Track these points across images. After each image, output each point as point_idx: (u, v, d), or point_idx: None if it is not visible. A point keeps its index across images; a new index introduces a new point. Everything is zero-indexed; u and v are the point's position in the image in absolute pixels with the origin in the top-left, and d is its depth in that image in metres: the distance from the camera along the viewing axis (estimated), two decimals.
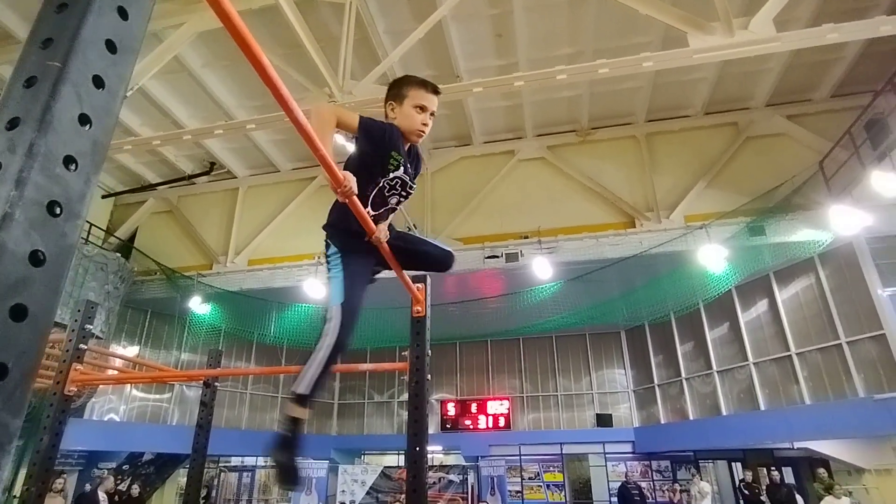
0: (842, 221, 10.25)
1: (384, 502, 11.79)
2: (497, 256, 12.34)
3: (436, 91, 2.41)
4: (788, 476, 13.90)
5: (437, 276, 3.01)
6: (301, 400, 2.06)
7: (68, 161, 0.60)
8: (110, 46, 0.68)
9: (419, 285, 2.81)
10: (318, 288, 12.82)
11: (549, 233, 12.45)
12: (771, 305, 13.45)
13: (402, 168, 2.28)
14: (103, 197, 15.08)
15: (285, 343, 15.18)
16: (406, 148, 2.35)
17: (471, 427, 17.69)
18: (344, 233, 2.30)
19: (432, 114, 2.37)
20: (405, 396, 19.02)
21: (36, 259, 0.55)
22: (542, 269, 11.99)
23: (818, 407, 11.71)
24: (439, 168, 13.93)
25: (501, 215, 13.08)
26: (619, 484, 13.16)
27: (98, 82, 0.66)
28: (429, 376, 2.63)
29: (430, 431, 18.18)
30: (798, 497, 11.65)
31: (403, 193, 2.39)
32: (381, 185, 2.27)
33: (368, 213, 2.20)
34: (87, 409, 13.10)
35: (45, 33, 0.65)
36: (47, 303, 0.56)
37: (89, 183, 0.62)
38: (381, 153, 2.22)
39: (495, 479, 15.15)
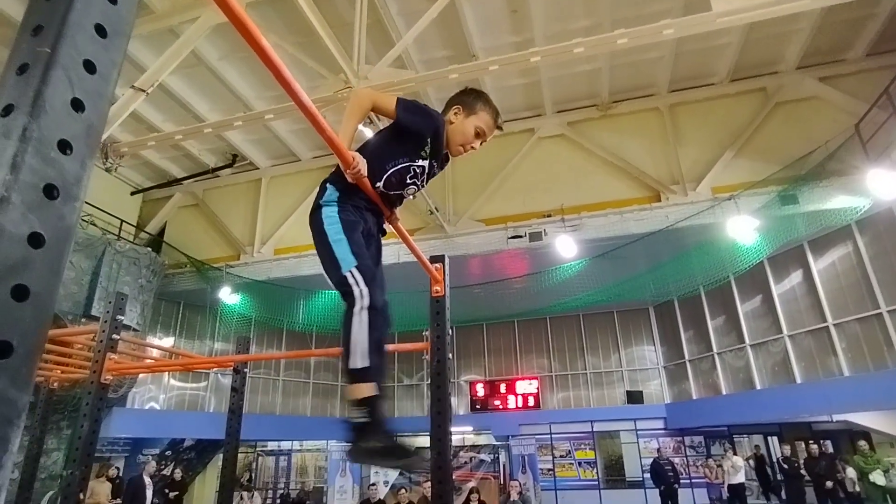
0: (881, 186, 9.84)
1: (417, 482, 12.02)
2: (520, 236, 12.25)
3: (500, 127, 2.42)
4: (828, 449, 13.62)
5: (459, 257, 2.99)
6: (361, 375, 1.76)
7: (63, 145, 0.61)
8: (100, 31, 0.69)
9: (437, 265, 2.81)
10: None
11: (572, 210, 12.29)
12: (806, 276, 13.06)
13: (429, 160, 2.20)
14: (132, 194, 15.47)
15: (314, 330, 15.46)
16: (442, 149, 2.27)
17: (500, 407, 17.80)
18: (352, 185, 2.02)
19: (482, 143, 2.35)
20: None
21: (35, 241, 0.57)
22: (566, 247, 11.87)
23: (858, 378, 11.38)
24: None
25: (523, 195, 12.96)
26: (652, 460, 13.09)
27: (89, 67, 0.67)
28: (450, 356, 2.64)
29: (460, 412, 18.44)
30: (842, 465, 11.42)
31: (419, 183, 2.27)
32: (404, 166, 2.15)
33: (379, 188, 2.11)
34: (129, 399, 13.62)
35: (36, 20, 0.66)
36: (48, 283, 0.57)
37: (85, 166, 0.63)
38: (420, 136, 2.12)
39: (526, 457, 15.25)
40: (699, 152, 12.32)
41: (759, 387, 13.78)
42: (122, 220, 14.00)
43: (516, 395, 17.86)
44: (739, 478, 11.50)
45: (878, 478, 10.37)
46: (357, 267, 1.87)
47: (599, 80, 12.39)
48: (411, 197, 2.34)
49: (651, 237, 11.71)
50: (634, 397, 17.15)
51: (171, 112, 12.79)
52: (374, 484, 9.62)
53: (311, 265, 13.54)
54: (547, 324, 18.73)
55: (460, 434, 17.59)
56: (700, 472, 14.82)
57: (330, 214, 1.99)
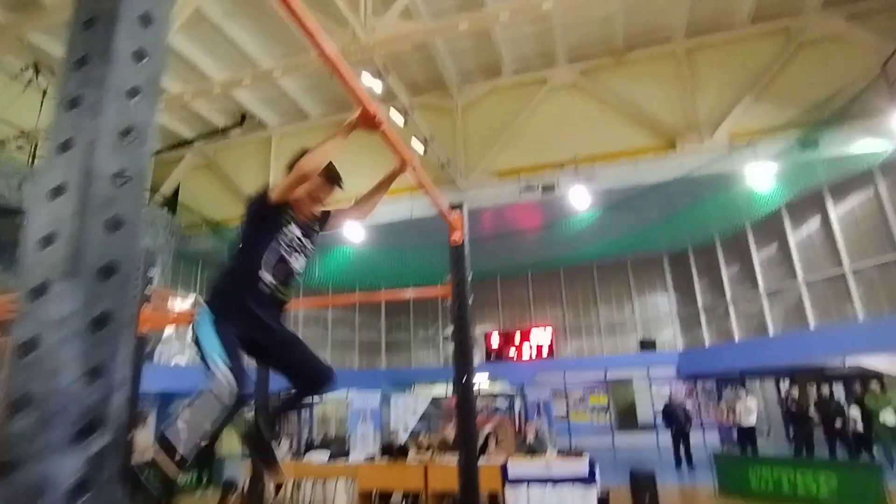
0: None
1: (435, 427, 12.53)
2: (533, 188, 12.19)
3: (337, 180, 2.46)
4: (838, 392, 13.82)
5: (472, 211, 3.03)
6: (178, 459, 1.81)
7: (132, 92, 0.67)
8: None
9: (456, 213, 2.87)
10: (357, 230, 13.12)
11: (585, 160, 12.15)
12: (824, 222, 12.91)
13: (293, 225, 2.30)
14: None
15: (330, 285, 15.74)
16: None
17: (515, 357, 18.21)
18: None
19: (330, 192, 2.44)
20: (449, 330, 19.65)
21: (121, 178, 0.64)
22: (579, 197, 11.81)
23: (873, 323, 11.42)
24: (469, 103, 13.60)
25: (536, 146, 12.81)
26: (664, 404, 13.40)
27: (146, 20, 0.72)
28: (470, 300, 2.73)
29: (475, 362, 18.86)
30: (851, 407, 11.64)
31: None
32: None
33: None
34: (156, 356, 14.14)
35: None
36: (136, 214, 0.65)
37: (153, 111, 0.69)
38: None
39: (541, 403, 15.71)
40: (716, 98, 11.99)
41: (772, 333, 13.89)
42: None
43: (530, 344, 18.22)
44: (751, 420, 11.75)
45: (888, 417, 10.56)
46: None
47: (614, 27, 11.98)
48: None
49: (666, 186, 11.59)
50: (647, 345, 17.41)
51: (178, 73, 12.68)
52: (394, 431, 10.05)
53: None
54: (561, 275, 18.86)
55: (476, 382, 18.09)
56: (711, 415, 15.17)
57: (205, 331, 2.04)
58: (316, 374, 2.25)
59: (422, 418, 14.15)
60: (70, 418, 0.55)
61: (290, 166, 2.25)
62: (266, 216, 2.20)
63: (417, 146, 11.45)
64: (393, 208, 12.94)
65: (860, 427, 11.24)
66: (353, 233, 12.74)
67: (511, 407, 14.37)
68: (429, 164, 12.40)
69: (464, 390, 2.76)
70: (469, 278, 2.76)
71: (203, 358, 1.96)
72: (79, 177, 0.60)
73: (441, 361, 18.98)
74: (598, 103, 12.77)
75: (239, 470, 9.06)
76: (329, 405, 17.02)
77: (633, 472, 7.58)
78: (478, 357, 18.94)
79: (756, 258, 14.60)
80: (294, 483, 10.51)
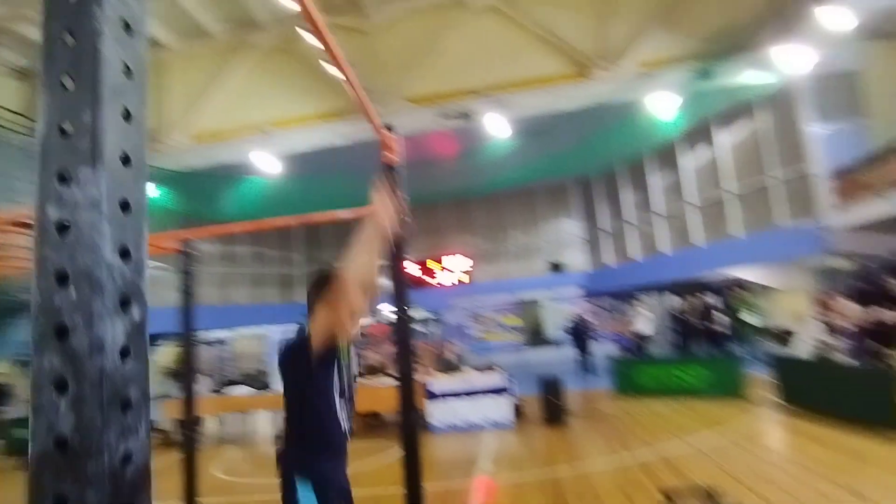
0: (788, 60, 10.51)
1: (359, 357, 12.89)
2: (450, 115, 12.16)
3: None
4: (715, 301, 15.74)
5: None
6: None
7: None
8: None
9: (390, 134, 2.89)
10: (267, 160, 12.52)
11: (501, 87, 12.22)
12: (711, 150, 14.14)
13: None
14: (15, 78, 13.46)
15: (243, 219, 15.07)
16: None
17: (431, 284, 18.79)
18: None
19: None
20: None
21: (127, 70, 0.66)
22: (495, 125, 11.98)
23: (749, 239, 12.97)
24: (385, 24, 12.97)
25: (452, 72, 12.62)
26: (571, 321, 14.64)
27: None
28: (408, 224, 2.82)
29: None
30: (719, 313, 13.41)
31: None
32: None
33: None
34: None
35: None
36: (142, 107, 0.67)
37: (143, 3, 0.69)
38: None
39: (458, 326, 16.58)
40: (627, 26, 12.31)
41: (666, 252, 15.38)
42: (4, 109, 12.30)
43: (445, 271, 18.85)
44: (645, 329, 13.23)
45: (749, 318, 12.36)
46: None
47: None
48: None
49: (577, 114, 12.04)
50: (556, 267, 18.65)
51: None
52: None
53: (233, 151, 12.86)
54: (474, 203, 19.34)
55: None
56: (611, 328, 16.80)
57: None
58: None
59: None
60: (113, 289, 0.60)
61: (317, 295, 1.96)
62: (317, 367, 1.89)
63: (335, 70, 10.88)
64: (308, 136, 12.43)
65: (728, 327, 13.07)
66: (267, 164, 12.16)
67: (430, 331, 15.01)
68: (340, 88, 11.89)
69: (401, 313, 2.92)
70: (407, 201, 2.84)
71: None
72: (91, 67, 0.61)
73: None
74: (516, 28, 12.69)
75: (161, 412, 8.88)
76: (245, 340, 16.80)
77: (543, 380, 8.35)
78: None
79: (652, 184, 15.82)
80: (218, 418, 10.51)
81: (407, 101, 12.48)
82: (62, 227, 0.59)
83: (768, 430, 6.55)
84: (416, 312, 17.51)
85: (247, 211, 13.93)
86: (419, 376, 9.22)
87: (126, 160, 0.64)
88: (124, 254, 0.62)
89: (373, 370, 9.82)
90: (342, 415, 1.97)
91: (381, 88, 12.52)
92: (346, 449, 2.05)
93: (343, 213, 3.37)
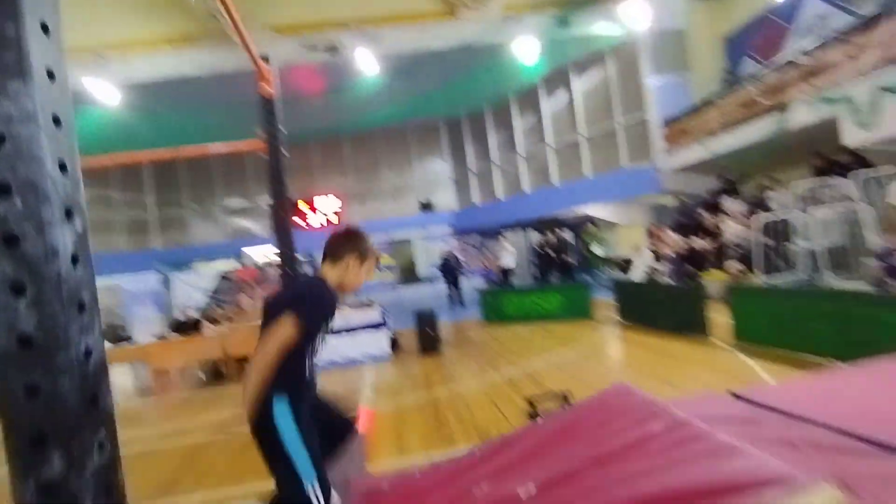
0: (631, 15, 11.48)
1: (228, 302, 12.29)
2: (317, 48, 11.53)
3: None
4: (568, 235, 17.43)
5: (250, 72, 2.90)
6: None
7: None
8: None
9: (266, 64, 2.77)
10: (104, 88, 10.92)
11: (370, 21, 11.79)
12: (568, 95, 15.19)
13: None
14: None
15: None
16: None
17: (303, 226, 18.25)
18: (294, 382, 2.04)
19: None
20: (233, 201, 18.36)
21: None
22: (363, 60, 11.63)
23: (598, 179, 14.40)
24: None
25: (320, 0, 11.86)
26: (441, 259, 15.30)
27: None
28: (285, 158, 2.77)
29: (262, 234, 18.33)
30: (574, 244, 14.94)
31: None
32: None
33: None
34: None
35: None
36: (57, 20, 0.67)
37: None
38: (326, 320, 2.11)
39: None
40: None
41: (527, 191, 16.50)
42: None
43: (317, 212, 18.39)
44: (509, 263, 14.33)
45: (597, 249, 14.00)
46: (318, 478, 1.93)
47: None
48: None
49: (445, 54, 12.10)
50: (426, 207, 19.11)
51: None
52: (182, 309, 9.62)
53: None
54: (345, 142, 18.83)
55: (264, 254, 17.85)
56: (478, 264, 17.87)
57: (285, 425, 1.94)
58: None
59: (211, 296, 13.65)
60: (58, 200, 0.63)
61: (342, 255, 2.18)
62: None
63: None
64: (153, 63, 11.01)
65: (579, 259, 14.66)
66: (104, 93, 10.58)
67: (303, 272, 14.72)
68: (194, 13, 10.62)
69: (284, 248, 2.92)
70: (282, 133, 2.78)
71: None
72: None
73: (223, 236, 18.02)
74: None
75: None
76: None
77: (417, 313, 8.78)
78: (264, 228, 18.45)
79: (516, 126, 16.67)
80: None
81: (271, 29, 11.54)
82: (2, 139, 0.59)
83: (609, 343, 7.67)
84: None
85: (81, 147, 12.15)
86: None
87: (51, 75, 0.64)
88: (62, 167, 0.64)
89: (243, 315, 9.52)
90: (310, 364, 2.12)
91: (242, 13, 11.36)
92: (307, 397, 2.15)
93: (215, 148, 3.19)
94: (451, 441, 4.35)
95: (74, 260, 0.63)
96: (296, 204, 18.29)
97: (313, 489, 1.93)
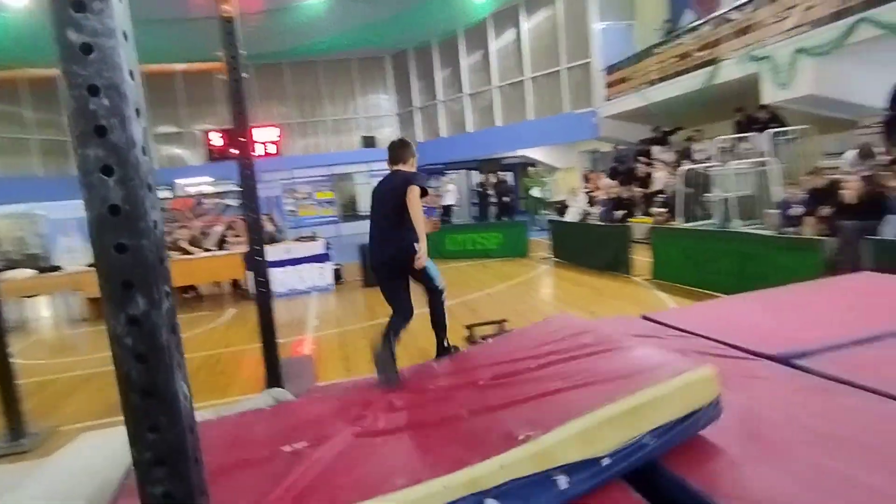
0: None
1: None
2: None
3: None
4: (509, 178, 17.86)
5: None
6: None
7: None
8: None
9: None
10: None
11: None
12: (516, 33, 15.11)
13: None
14: None
15: None
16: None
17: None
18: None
19: None
20: (162, 127, 17.24)
21: None
22: None
23: (540, 121, 14.69)
24: None
25: None
26: None
27: None
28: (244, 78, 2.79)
29: (197, 163, 17.58)
30: (515, 186, 15.39)
31: None
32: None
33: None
34: None
35: None
36: None
37: None
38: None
39: (272, 199, 16.12)
40: None
41: (470, 130, 16.59)
42: None
43: (256, 142, 17.68)
44: (450, 200, 14.64)
45: (536, 192, 14.51)
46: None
47: None
48: None
49: None
50: (369, 142, 18.80)
51: None
52: None
53: None
54: (287, 70, 17.96)
55: (198, 184, 17.14)
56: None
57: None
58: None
59: None
60: (132, 101, 0.80)
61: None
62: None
63: None
64: None
65: (518, 200, 15.19)
66: None
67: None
68: None
69: (246, 179, 2.99)
70: (243, 54, 2.78)
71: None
72: None
73: (156, 163, 17.04)
74: None
75: None
76: (11, 220, 14.02)
77: (361, 247, 8.95)
78: (199, 157, 17.59)
79: (463, 63, 16.48)
80: None
81: None
82: (87, 49, 0.74)
83: (543, 279, 8.23)
84: (224, 187, 16.42)
85: None
86: (236, 248, 9.10)
87: None
88: (132, 75, 0.80)
89: (180, 247, 9.31)
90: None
91: None
92: None
93: (179, 66, 3.14)
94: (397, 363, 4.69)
95: (143, 150, 0.82)
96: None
97: (441, 284, 3.29)
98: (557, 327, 2.67)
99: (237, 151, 3.43)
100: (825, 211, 6.03)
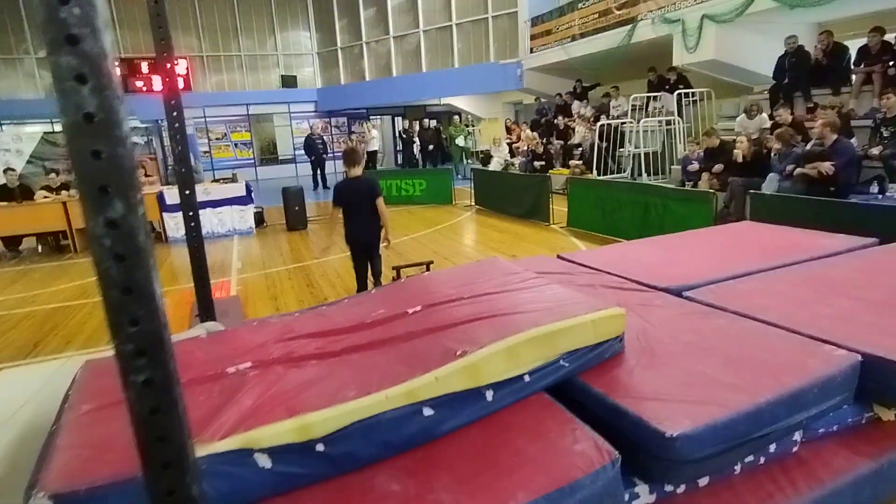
0: None
1: (53, 170, 10.70)
2: None
3: None
4: (432, 125, 17.81)
5: None
6: None
7: None
8: None
9: None
10: None
11: None
12: None
13: None
14: None
15: None
16: None
17: (144, 89, 16.07)
18: None
19: None
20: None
21: None
22: None
23: (466, 69, 14.62)
24: None
25: None
26: (305, 136, 14.80)
27: None
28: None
29: None
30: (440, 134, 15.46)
31: None
32: None
33: None
34: None
35: None
36: None
37: None
38: None
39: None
40: None
41: (395, 74, 16.21)
42: None
43: (163, 76, 16.23)
44: (374, 146, 14.44)
45: (460, 141, 14.63)
46: None
47: None
48: None
49: None
50: (288, 81, 17.87)
51: None
52: (11, 169, 8.28)
53: None
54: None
55: None
56: (342, 145, 17.58)
57: None
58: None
59: (31, 160, 11.80)
60: (103, 12, 0.84)
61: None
62: None
63: None
64: None
65: (443, 148, 15.29)
66: None
67: (149, 143, 13.29)
68: None
69: (172, 115, 2.86)
70: None
71: None
72: None
73: (41, 91, 15.23)
74: None
75: None
76: None
77: (284, 190, 8.74)
78: None
79: (389, 3, 15.88)
80: None
81: None
82: None
83: (466, 225, 8.51)
84: (131, 121, 15.06)
85: None
86: (149, 188, 8.55)
87: None
88: None
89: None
90: None
91: None
92: None
93: None
94: (324, 300, 4.78)
95: (111, 62, 0.87)
96: (136, 64, 15.84)
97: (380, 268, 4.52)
98: (488, 267, 2.89)
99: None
100: (717, 168, 6.69)
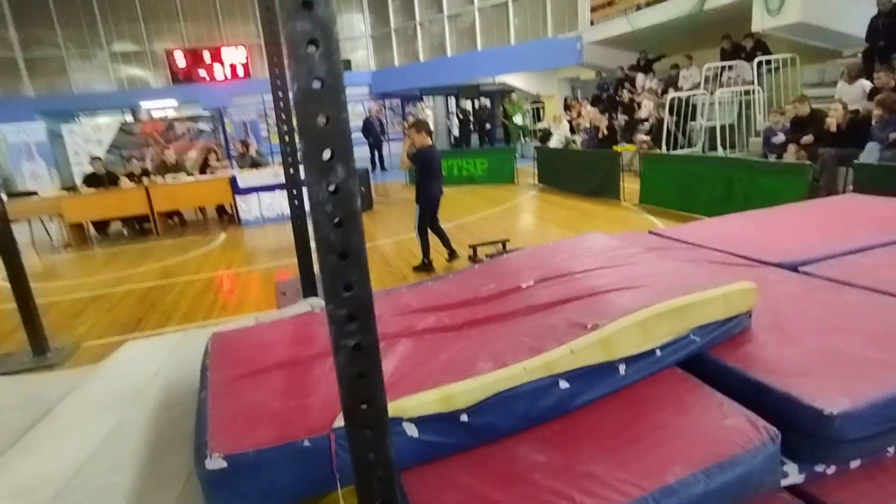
0: None
1: (130, 157, 11.30)
2: None
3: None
4: (488, 104, 17.56)
5: None
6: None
7: None
8: None
9: None
10: None
11: None
12: None
13: None
14: None
15: None
16: None
17: (207, 78, 16.65)
18: None
19: None
20: (124, 46, 16.16)
21: None
22: None
23: (522, 46, 14.28)
24: None
25: None
26: (364, 119, 14.94)
27: None
28: None
29: (160, 85, 16.62)
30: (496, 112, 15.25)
31: None
32: None
33: None
34: None
35: None
36: None
37: None
38: None
39: (248, 124, 15.55)
40: None
41: (449, 54, 16.06)
42: None
43: (223, 64, 16.74)
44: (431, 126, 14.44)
45: (518, 119, 14.40)
46: None
47: None
48: None
49: None
50: (345, 65, 18.00)
51: None
52: (98, 157, 8.75)
53: None
54: None
55: (163, 108, 16.32)
56: (399, 128, 17.66)
57: None
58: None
59: (111, 149, 12.48)
60: None
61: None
62: None
63: None
64: None
65: (501, 127, 15.08)
66: None
67: (215, 130, 13.77)
68: None
69: (281, 103, 2.92)
70: None
71: None
72: None
73: (114, 84, 16.03)
74: None
75: None
76: None
77: (361, 172, 8.87)
78: (162, 80, 16.59)
79: None
80: None
81: None
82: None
83: (533, 203, 8.39)
84: (191, 110, 15.66)
85: None
86: (222, 172, 8.88)
87: None
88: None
89: (164, 169, 9.01)
90: None
91: None
92: None
93: None
94: (405, 280, 4.84)
95: (336, 28, 0.87)
96: (200, 55, 16.40)
97: None
98: (591, 242, 2.83)
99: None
100: (807, 139, 6.27)
